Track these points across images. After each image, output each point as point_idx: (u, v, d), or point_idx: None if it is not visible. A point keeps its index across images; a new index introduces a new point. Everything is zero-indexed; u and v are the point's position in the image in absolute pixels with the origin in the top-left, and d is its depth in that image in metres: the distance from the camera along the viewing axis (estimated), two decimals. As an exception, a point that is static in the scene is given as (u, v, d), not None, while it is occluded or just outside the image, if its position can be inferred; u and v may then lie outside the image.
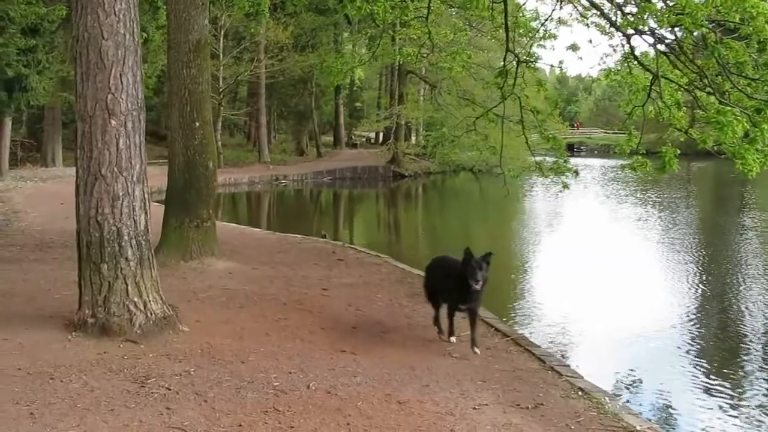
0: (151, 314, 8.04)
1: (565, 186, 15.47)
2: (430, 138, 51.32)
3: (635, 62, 12.56)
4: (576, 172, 15.35)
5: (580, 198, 33.36)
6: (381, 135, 66.70)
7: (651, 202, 33.41)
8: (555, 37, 16.48)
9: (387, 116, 49.25)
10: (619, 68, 13.88)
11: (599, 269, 17.48)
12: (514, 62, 14.83)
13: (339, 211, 34.60)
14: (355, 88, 65.84)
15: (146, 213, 8.24)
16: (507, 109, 28.93)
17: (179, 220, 12.37)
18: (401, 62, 30.66)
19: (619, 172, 41.99)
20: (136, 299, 8.00)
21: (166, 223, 12.46)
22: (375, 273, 12.68)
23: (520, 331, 10.20)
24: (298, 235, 17.85)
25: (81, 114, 7.98)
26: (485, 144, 30.77)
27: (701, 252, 20.45)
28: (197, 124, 12.23)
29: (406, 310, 9.96)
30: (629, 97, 13.41)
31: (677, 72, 11.91)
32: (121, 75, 7.93)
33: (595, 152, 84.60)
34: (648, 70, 11.87)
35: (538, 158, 15.98)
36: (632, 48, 12.41)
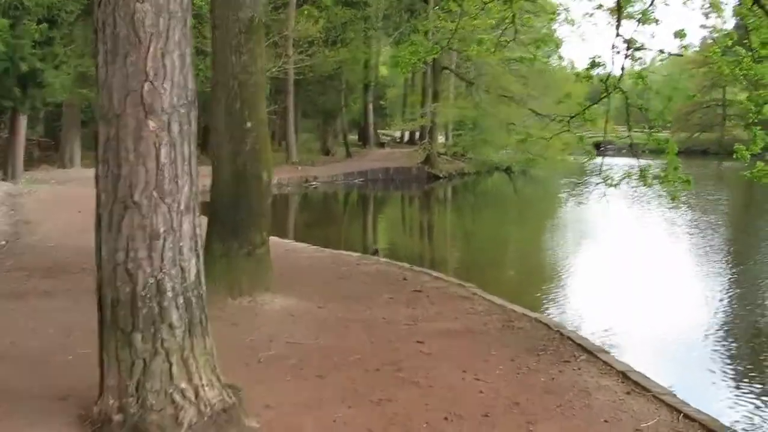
0: (206, 406, 5.47)
1: (675, 198, 12.94)
2: (466, 137, 49.13)
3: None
4: (689, 182, 12.64)
5: (619, 200, 31.20)
6: (407, 134, 64.44)
7: (684, 204, 31.18)
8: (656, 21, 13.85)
9: (422, 114, 46.72)
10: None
11: (639, 274, 16.71)
12: (622, 50, 12.41)
13: (379, 218, 32.00)
14: (374, 85, 63.02)
15: (198, 256, 5.68)
16: (546, 107, 26.80)
17: (226, 246, 9.78)
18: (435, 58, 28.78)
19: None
20: (183, 385, 5.42)
21: (208, 250, 9.65)
22: (470, 312, 10.06)
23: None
24: (353, 253, 15.33)
25: (104, 112, 5.41)
26: (523, 144, 28.95)
27: (729, 253, 20.82)
28: (249, 124, 9.64)
29: (542, 378, 7.34)
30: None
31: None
32: (163, 55, 5.36)
33: (623, 151, 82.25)
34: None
35: (642, 162, 13.51)
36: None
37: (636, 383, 7.15)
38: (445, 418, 6.16)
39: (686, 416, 6.33)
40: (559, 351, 8.30)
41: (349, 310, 9.87)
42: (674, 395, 6.93)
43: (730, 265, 18.70)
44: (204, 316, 5.70)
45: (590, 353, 8.17)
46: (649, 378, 7.35)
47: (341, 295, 10.83)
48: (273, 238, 15.94)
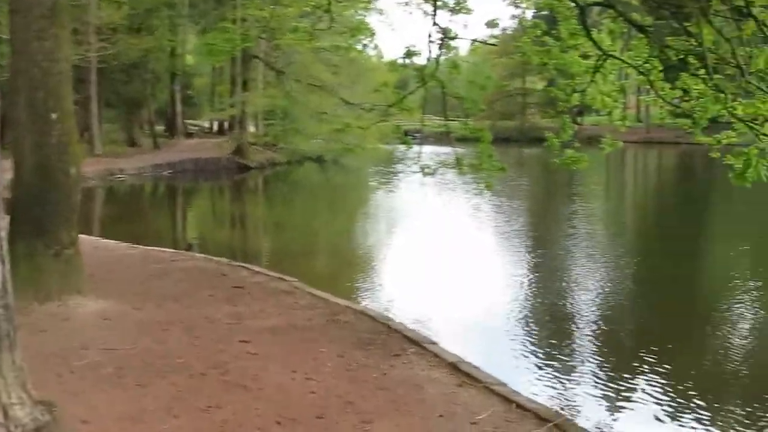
0: (17, 427, 4.95)
1: (489, 185, 13.15)
2: (277, 127, 48.72)
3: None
4: (503, 169, 12.87)
5: (423, 187, 31.90)
6: (216, 124, 63.29)
7: (490, 190, 32.25)
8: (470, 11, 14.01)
9: (232, 104, 45.94)
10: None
11: (452, 261, 17.01)
12: (437, 39, 12.47)
13: (190, 211, 31.16)
14: (182, 74, 61.26)
15: (3, 261, 5.15)
16: (357, 96, 27.03)
17: (30, 247, 9.04)
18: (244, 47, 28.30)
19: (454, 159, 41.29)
20: (-11, 406, 4.90)
21: (11, 251, 8.96)
22: (294, 307, 9.79)
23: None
24: (167, 249, 14.74)
25: None
26: (339, 134, 28.94)
27: (535, 238, 21.72)
28: (54, 116, 8.93)
29: (373, 373, 7.20)
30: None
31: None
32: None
33: (431, 139, 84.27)
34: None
35: (458, 150, 13.60)
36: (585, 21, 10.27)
37: (467, 374, 7.14)
38: (278, 423, 5.90)
39: (519, 406, 6.37)
40: (387, 344, 8.20)
41: (168, 311, 9.39)
42: (505, 385, 6.97)
43: (535, 249, 19.43)
44: (12, 328, 5.16)
45: (419, 345, 8.12)
46: (479, 368, 7.37)
47: (158, 294, 10.30)
48: (80, 236, 15.12)
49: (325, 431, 5.85)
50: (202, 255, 14.38)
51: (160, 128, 56.46)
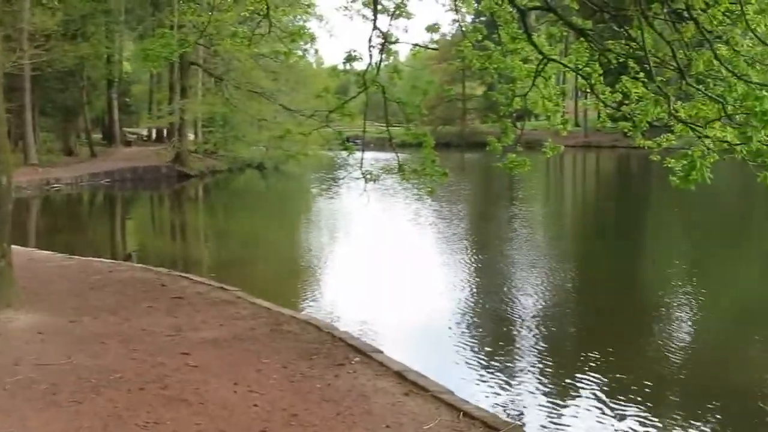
0: (-57, 451, 4.74)
1: (432, 191, 13.13)
2: (216, 134, 48.25)
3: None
4: (446, 174, 12.83)
5: (364, 193, 31.80)
6: (155, 132, 62.44)
7: (431, 195, 32.39)
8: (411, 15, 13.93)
9: (170, 111, 45.35)
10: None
11: (393, 267, 16.95)
12: (377, 44, 12.36)
13: (129, 221, 30.55)
14: (119, 81, 60.27)
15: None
16: (297, 103, 26.94)
17: (-42, 260, 8.78)
18: (182, 53, 27.90)
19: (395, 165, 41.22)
20: None
21: (-62, 265, 8.71)
22: (236, 318, 9.60)
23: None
24: (105, 260, 14.45)
25: None
26: (279, 141, 28.72)
27: (476, 242, 21.65)
28: (-18, 123, 8.69)
29: (318, 384, 7.06)
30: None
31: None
32: None
33: (372, 145, 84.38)
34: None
35: (401, 156, 13.53)
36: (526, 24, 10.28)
37: (413, 383, 7.05)
38: (221, 438, 5.73)
39: (466, 414, 6.29)
40: (332, 354, 8.07)
41: (105, 324, 9.13)
42: (452, 393, 6.89)
43: (476, 253, 19.40)
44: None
45: (364, 354, 8.01)
46: (426, 377, 7.28)
47: (95, 307, 10.02)
48: (13, 247, 14.70)
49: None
50: (141, 265, 14.09)
51: (97, 137, 55.58)
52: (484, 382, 9.38)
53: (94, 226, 27.82)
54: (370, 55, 12.03)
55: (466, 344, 11.11)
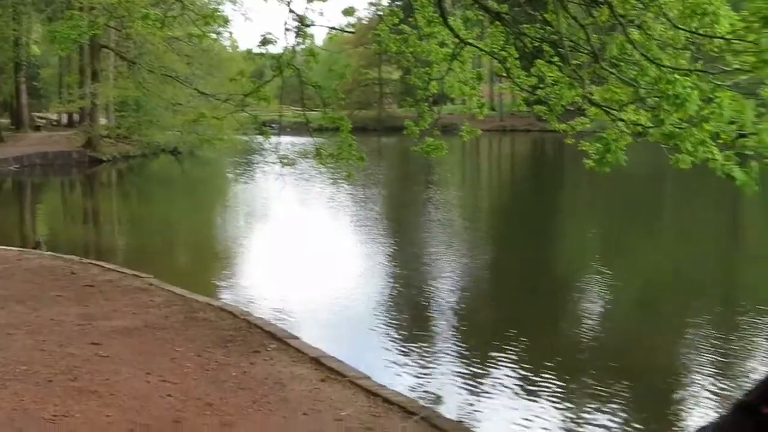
0: None
1: (350, 175, 13.14)
2: (129, 118, 47.32)
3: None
4: (362, 158, 12.80)
5: (280, 178, 31.70)
6: (65, 117, 60.94)
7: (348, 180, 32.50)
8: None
9: (81, 95, 44.22)
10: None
11: (310, 252, 16.72)
12: (293, 28, 12.21)
13: (38, 207, 29.68)
14: (27, 65, 58.67)
15: None
16: (211, 87, 26.83)
17: None
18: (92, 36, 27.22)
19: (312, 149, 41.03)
20: None
21: None
22: (149, 306, 9.38)
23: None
24: (12, 248, 13.96)
25: None
26: (194, 125, 28.28)
27: (392, 226, 22.01)
28: None
29: (233, 372, 6.93)
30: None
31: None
32: None
33: (288, 129, 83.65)
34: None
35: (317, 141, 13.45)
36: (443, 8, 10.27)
37: (330, 369, 6.99)
38: (131, 430, 5.57)
39: (385, 399, 6.25)
40: (248, 341, 7.95)
41: (12, 314, 8.82)
42: (369, 378, 6.86)
43: (392, 237, 19.59)
44: None
45: (280, 340, 7.91)
46: (342, 362, 7.24)
47: (1, 296, 9.66)
48: None
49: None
50: (51, 253, 13.67)
51: (5, 122, 53.96)
52: (401, 366, 9.33)
53: (1, 214, 26.97)
54: (286, 39, 11.88)
55: (383, 329, 11.04)
